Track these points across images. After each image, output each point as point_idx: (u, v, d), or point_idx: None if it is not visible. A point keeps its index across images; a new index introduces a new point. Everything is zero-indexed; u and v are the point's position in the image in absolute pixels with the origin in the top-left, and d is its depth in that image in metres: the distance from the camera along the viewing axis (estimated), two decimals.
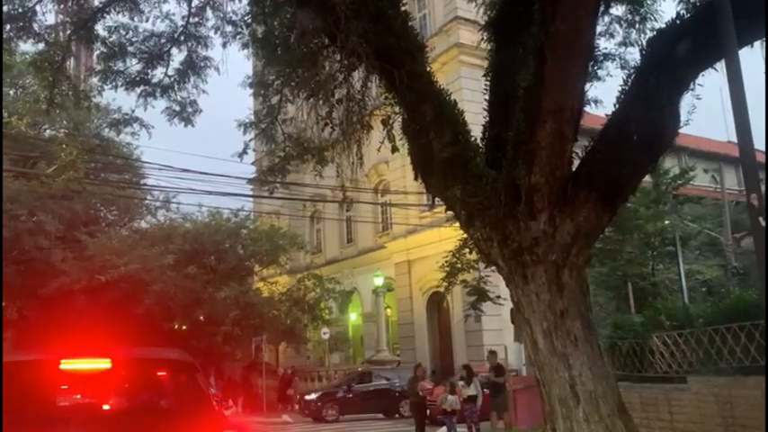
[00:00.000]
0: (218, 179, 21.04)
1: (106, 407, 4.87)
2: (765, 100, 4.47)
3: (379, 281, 23.80)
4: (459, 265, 12.99)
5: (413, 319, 30.14)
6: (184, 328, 24.58)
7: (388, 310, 31.37)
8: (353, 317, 34.46)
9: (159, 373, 5.19)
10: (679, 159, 29.67)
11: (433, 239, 28.80)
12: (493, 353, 14.50)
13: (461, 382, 12.49)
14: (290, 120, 12.03)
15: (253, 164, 31.22)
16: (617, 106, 5.57)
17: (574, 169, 5.83)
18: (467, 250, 13.22)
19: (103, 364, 4.68)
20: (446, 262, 13.10)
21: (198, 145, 24.11)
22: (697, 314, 9.12)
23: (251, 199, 39.47)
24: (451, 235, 27.31)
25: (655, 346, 8.87)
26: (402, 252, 30.85)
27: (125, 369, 4.99)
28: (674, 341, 8.57)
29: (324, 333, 23.60)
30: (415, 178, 6.75)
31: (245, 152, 13.04)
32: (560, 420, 5.62)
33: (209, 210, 25.34)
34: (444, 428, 12.39)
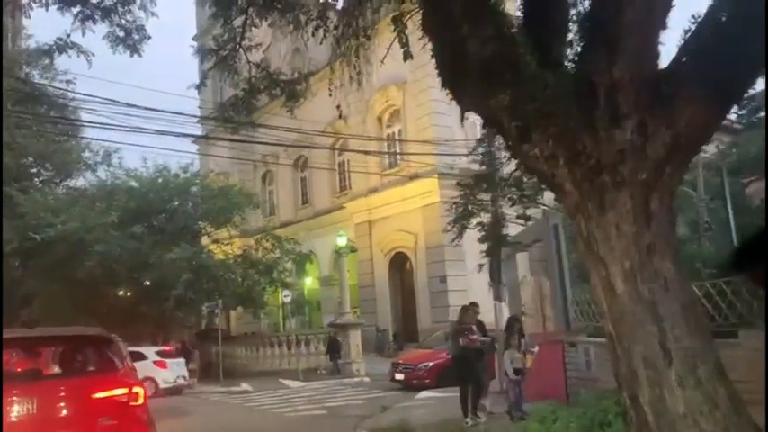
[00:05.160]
0: (166, 119, 18.72)
1: (38, 369, 6.88)
2: None
3: (342, 241, 22.40)
4: (471, 207, 11.18)
5: (374, 282, 29.07)
6: (129, 294, 22.70)
7: (347, 273, 30.17)
8: (309, 281, 33.12)
9: (82, 345, 6.75)
10: None
11: (396, 199, 27.63)
12: (474, 304, 12.05)
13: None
14: (257, 46, 10.49)
15: (198, 122, 29.09)
16: None
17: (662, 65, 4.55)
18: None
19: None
20: (454, 203, 11.50)
21: (142, 79, 21.88)
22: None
23: (198, 157, 37.36)
24: (416, 192, 26.30)
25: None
26: (363, 212, 29.60)
27: (55, 343, 7.23)
28: (720, 291, 7.53)
29: (285, 296, 22.07)
30: (443, 86, 5.33)
31: (203, 84, 11.45)
32: (645, 386, 4.41)
33: (155, 165, 23.29)
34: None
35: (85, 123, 21.62)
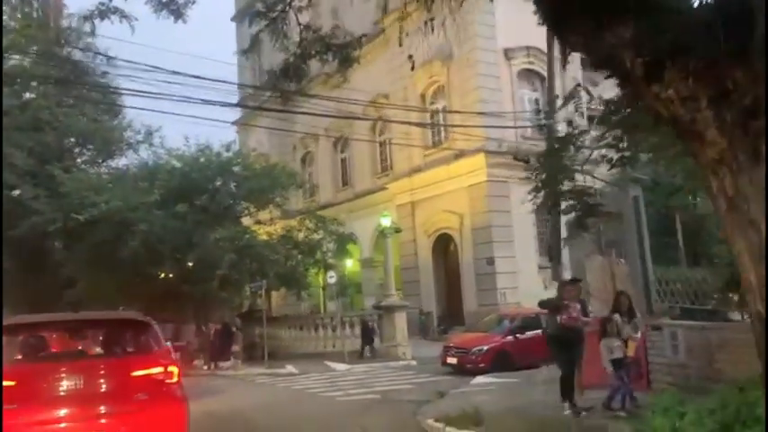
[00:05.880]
0: (208, 87, 17.86)
1: (84, 350, 8.66)
2: None
3: (386, 221, 21.74)
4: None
5: (417, 264, 28.42)
6: (172, 275, 22.42)
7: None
8: (349, 263, 32.62)
9: (122, 328, 7.46)
10: None
11: (440, 178, 26.79)
12: (576, 280, 10.21)
13: (617, 317, 8.58)
14: (307, 8, 9.85)
15: (239, 103, 28.55)
16: None
17: None
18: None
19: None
20: (535, 170, 10.47)
21: (183, 47, 21.24)
22: None
23: (238, 136, 36.99)
24: (462, 171, 25.37)
25: None
26: (405, 193, 28.92)
27: (97, 326, 8.23)
28: None
29: (330, 277, 21.54)
30: (544, 23, 4.59)
31: (251, 50, 10.87)
32: None
33: (197, 144, 22.87)
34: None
35: (129, 92, 21.27)
